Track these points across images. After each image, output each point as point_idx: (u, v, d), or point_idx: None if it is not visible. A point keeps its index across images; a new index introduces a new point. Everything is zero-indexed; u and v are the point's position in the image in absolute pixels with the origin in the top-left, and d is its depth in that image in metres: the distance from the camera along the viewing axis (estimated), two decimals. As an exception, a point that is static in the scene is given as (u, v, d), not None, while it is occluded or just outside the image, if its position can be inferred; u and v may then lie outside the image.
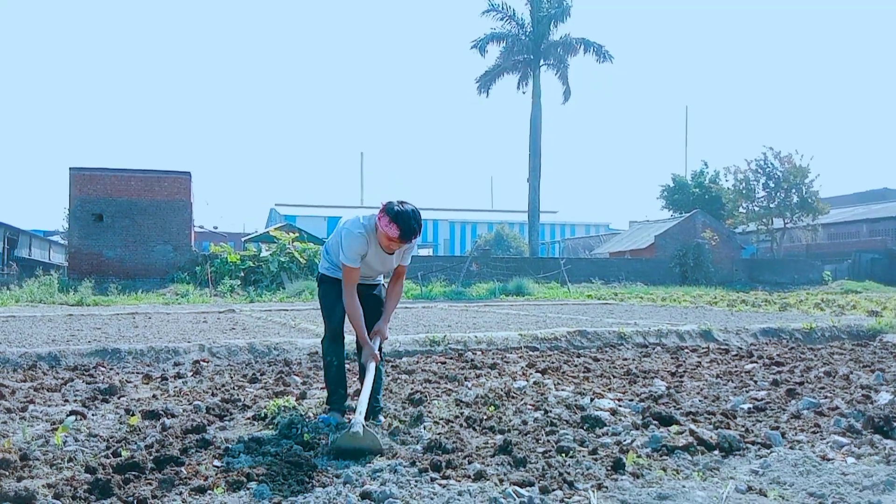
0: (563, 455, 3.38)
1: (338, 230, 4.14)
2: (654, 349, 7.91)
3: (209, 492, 2.86)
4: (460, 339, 7.84)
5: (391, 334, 8.19)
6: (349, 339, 4.48)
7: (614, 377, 5.88)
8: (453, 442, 3.54)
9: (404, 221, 3.80)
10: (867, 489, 2.85)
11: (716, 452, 3.44)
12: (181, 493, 2.84)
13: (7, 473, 3.07)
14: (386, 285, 4.43)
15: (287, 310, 14.18)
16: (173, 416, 4.29)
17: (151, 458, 3.24)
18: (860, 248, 41.08)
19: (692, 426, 3.80)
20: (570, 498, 2.82)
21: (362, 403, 3.67)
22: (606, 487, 2.93)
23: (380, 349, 4.19)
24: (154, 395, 5.09)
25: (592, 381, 5.66)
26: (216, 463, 3.28)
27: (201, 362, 6.63)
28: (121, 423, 4.16)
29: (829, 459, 3.32)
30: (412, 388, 5.15)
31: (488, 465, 3.19)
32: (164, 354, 6.86)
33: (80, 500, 2.77)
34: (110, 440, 3.73)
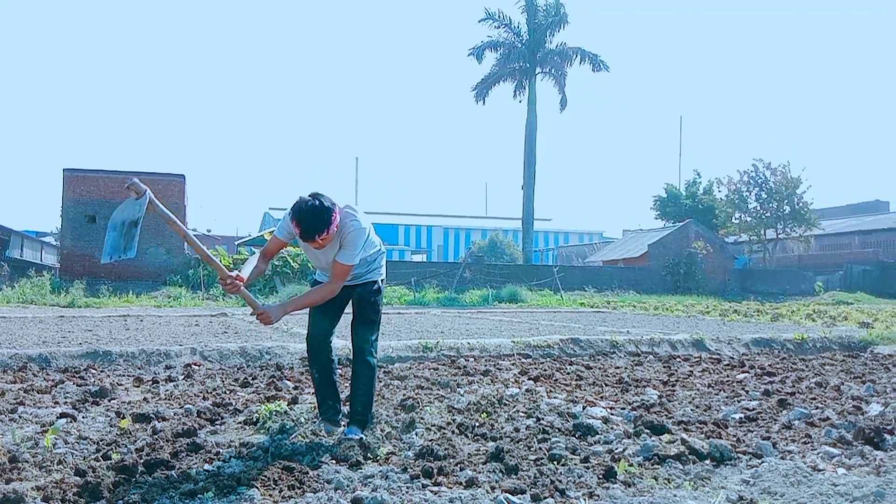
0: (555, 463, 3.38)
1: None
2: (646, 358, 7.93)
3: (199, 496, 2.84)
4: (453, 346, 7.84)
5: (384, 340, 8.17)
6: (341, 343, 4.45)
7: (606, 385, 5.88)
8: (445, 448, 3.53)
9: (303, 219, 3.54)
10: (857, 500, 2.86)
11: (707, 462, 3.45)
12: (171, 498, 2.82)
13: (-5, 475, 3.04)
14: (363, 285, 4.07)
15: (280, 314, 14.12)
16: (164, 419, 4.27)
17: (142, 461, 3.23)
18: (852, 259, 41.29)
19: (684, 435, 3.80)
20: (561, 506, 2.81)
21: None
22: (598, 496, 2.93)
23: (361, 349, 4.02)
24: (145, 399, 5.07)
25: (584, 389, 5.66)
26: (207, 467, 3.26)
27: (193, 366, 6.60)
28: (111, 426, 4.13)
29: (819, 470, 3.33)
30: (404, 394, 5.14)
31: (480, 473, 3.18)
32: (156, 357, 6.83)
33: (69, 503, 2.75)
34: (100, 443, 3.71)
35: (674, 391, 5.64)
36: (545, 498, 2.87)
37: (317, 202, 3.56)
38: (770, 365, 7.28)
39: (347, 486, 3.00)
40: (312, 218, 3.54)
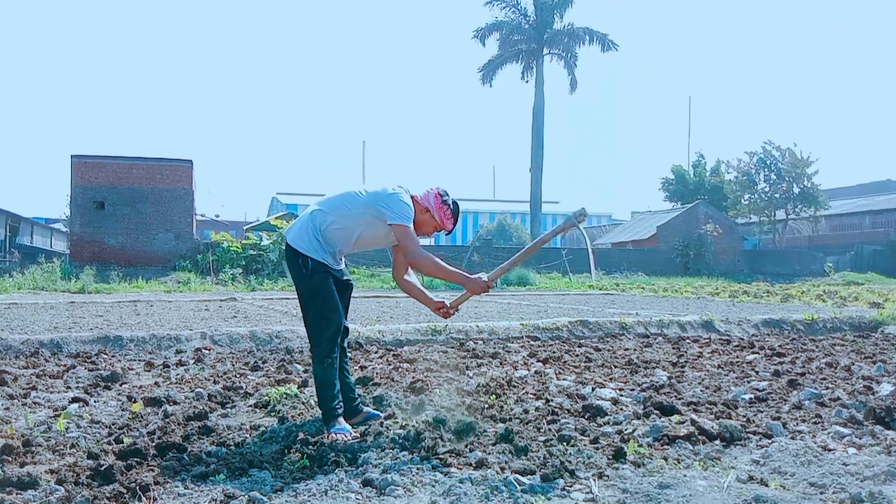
0: (565, 444, 3.38)
1: (366, 200, 3.72)
2: (655, 339, 7.91)
3: (211, 478, 2.86)
4: (462, 329, 7.84)
5: (393, 323, 8.21)
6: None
7: (616, 367, 5.88)
8: (455, 430, 3.54)
9: (457, 218, 4.01)
10: (868, 479, 2.85)
11: (717, 442, 3.44)
12: (183, 480, 2.85)
13: (10, 459, 3.07)
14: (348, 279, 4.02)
15: (288, 298, 14.18)
16: (175, 403, 4.30)
17: (153, 444, 3.25)
18: (863, 239, 41.03)
19: (693, 416, 3.80)
20: (571, 486, 2.82)
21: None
22: (607, 476, 2.93)
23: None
24: (156, 383, 5.10)
25: (594, 371, 5.66)
26: (218, 450, 3.28)
27: (203, 350, 6.64)
28: (123, 410, 4.17)
29: (830, 450, 3.32)
30: (413, 377, 5.15)
31: (490, 454, 3.19)
32: (166, 342, 6.87)
33: (82, 485, 2.77)
34: (112, 427, 3.74)
35: (683, 372, 5.63)
36: (555, 478, 2.88)
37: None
38: (780, 345, 7.25)
39: (358, 467, 3.02)
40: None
